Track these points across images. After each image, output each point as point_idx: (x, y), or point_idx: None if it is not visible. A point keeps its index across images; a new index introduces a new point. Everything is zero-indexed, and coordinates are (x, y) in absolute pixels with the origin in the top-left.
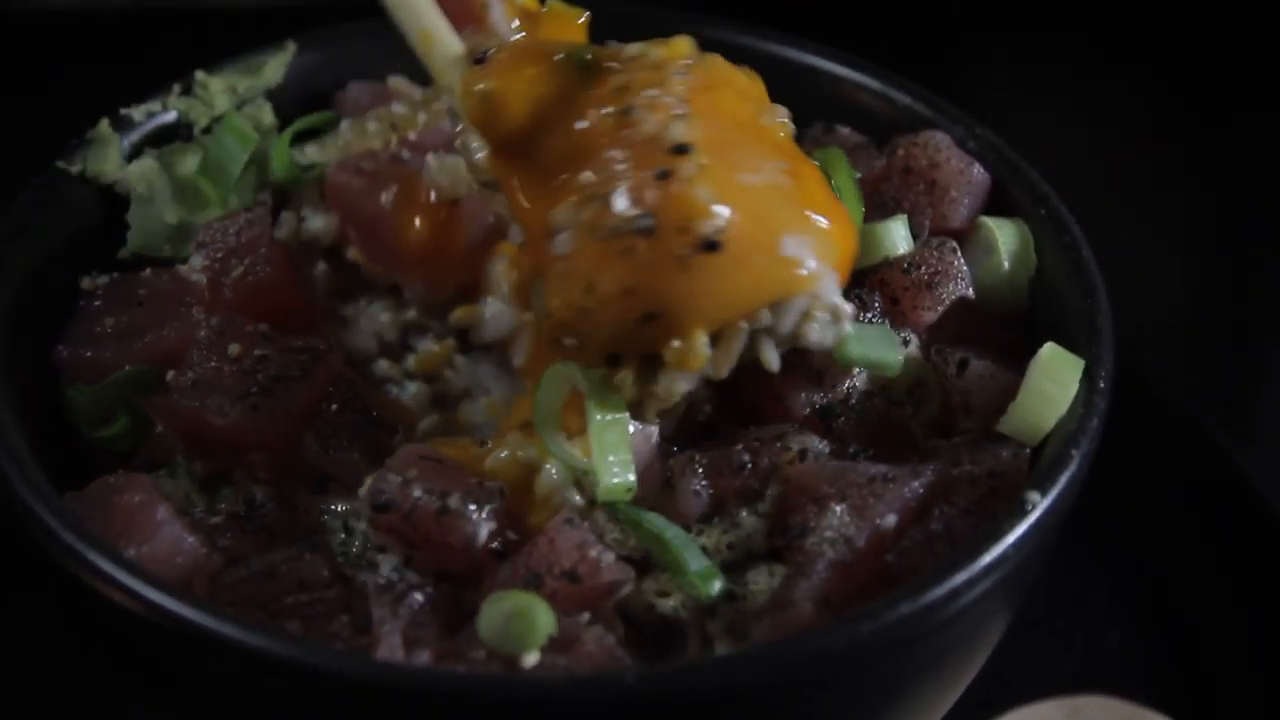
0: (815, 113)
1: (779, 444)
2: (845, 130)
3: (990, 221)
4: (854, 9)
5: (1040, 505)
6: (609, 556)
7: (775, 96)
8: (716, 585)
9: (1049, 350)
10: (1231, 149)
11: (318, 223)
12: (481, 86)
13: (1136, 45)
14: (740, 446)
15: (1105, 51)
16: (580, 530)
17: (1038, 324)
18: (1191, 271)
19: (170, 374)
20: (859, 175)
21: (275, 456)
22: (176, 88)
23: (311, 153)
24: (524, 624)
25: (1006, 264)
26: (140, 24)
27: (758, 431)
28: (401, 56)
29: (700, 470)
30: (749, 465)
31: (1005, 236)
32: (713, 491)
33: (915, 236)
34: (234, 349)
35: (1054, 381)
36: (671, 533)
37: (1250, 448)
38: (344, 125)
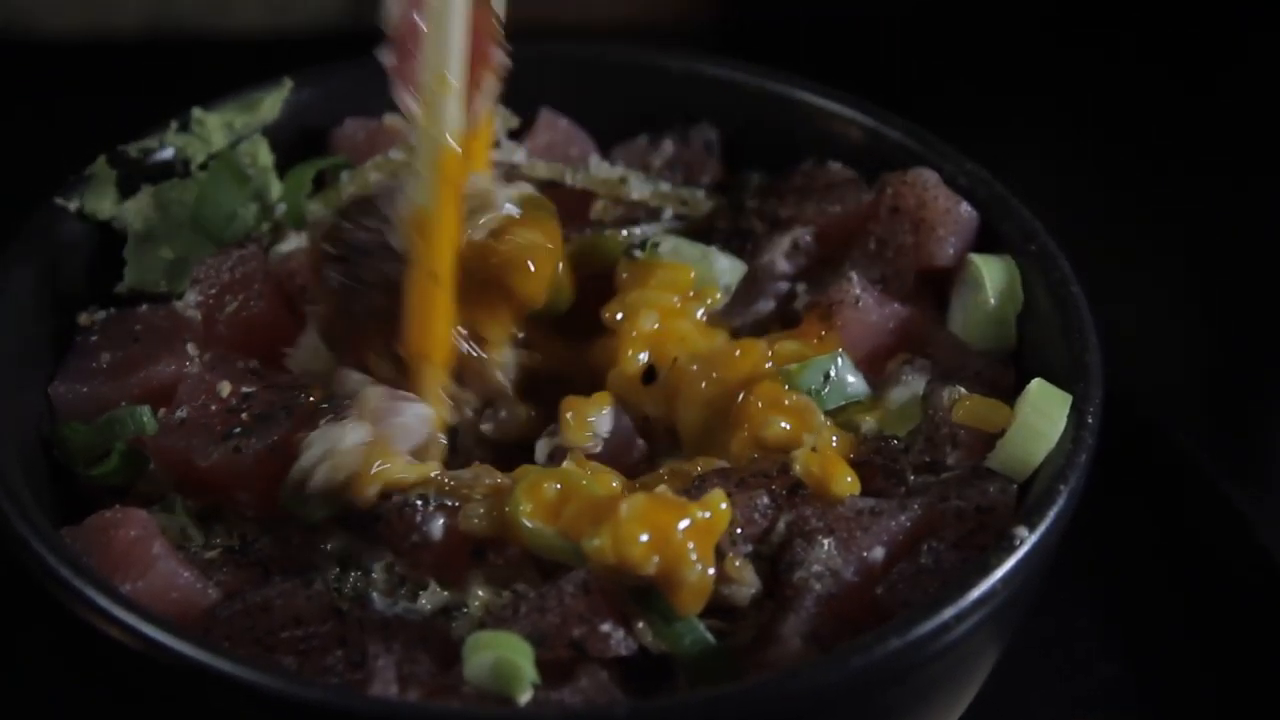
0: (807, 148)
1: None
2: (835, 165)
3: (977, 259)
4: (852, 51)
5: (1028, 540)
6: (619, 634)
7: (767, 132)
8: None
9: (1037, 386)
10: (1232, 186)
11: None
12: None
13: (1136, 91)
14: (761, 491)
15: (1101, 96)
16: (594, 597)
17: (1026, 360)
18: (1192, 309)
19: (161, 412)
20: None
21: (260, 495)
22: (174, 124)
23: (315, 208)
24: (510, 672)
25: (993, 301)
26: (143, 54)
27: (762, 464)
28: None
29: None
30: (769, 509)
31: (992, 273)
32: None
33: (895, 279)
34: (224, 387)
35: (1043, 416)
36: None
37: (1248, 484)
38: (344, 177)
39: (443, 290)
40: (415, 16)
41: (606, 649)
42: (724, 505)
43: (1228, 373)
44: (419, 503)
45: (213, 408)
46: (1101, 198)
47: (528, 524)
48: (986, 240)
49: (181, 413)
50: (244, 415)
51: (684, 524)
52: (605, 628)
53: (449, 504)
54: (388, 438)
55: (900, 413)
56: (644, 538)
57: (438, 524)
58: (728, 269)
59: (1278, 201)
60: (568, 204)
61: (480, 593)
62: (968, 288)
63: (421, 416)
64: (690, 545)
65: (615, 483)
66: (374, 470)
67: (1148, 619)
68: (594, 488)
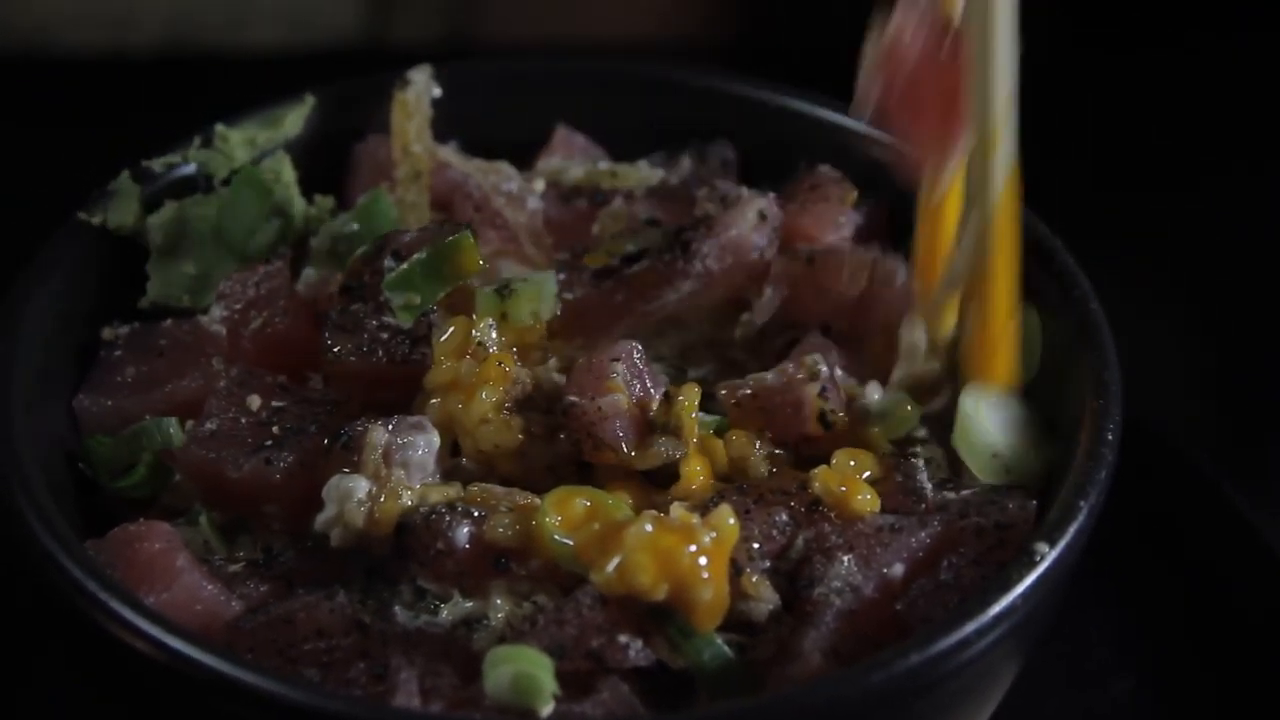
0: (827, 163)
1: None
2: (824, 167)
3: None
4: None
5: (1048, 556)
6: (637, 646)
7: (786, 149)
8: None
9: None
10: (1233, 194)
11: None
12: None
13: (1141, 104)
14: (780, 508)
15: (1107, 110)
16: (612, 610)
17: (1045, 376)
18: (1194, 316)
19: (189, 425)
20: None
21: (289, 508)
22: (196, 140)
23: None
24: (530, 686)
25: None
26: (162, 70)
27: (781, 481)
28: None
29: (758, 552)
30: (788, 526)
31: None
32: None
33: None
34: (253, 401)
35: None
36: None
37: (1260, 498)
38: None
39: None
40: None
41: (625, 660)
42: (731, 521)
43: (1235, 384)
44: (445, 511)
45: (243, 420)
46: (1107, 211)
47: (556, 536)
48: None
49: (211, 425)
50: (274, 429)
51: (691, 548)
52: (623, 639)
53: (475, 513)
54: (400, 476)
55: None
56: (651, 565)
57: (463, 532)
58: None
59: (1274, 207)
60: (573, 224)
61: (501, 603)
62: None
63: (431, 445)
64: (702, 563)
65: (629, 499)
66: (388, 513)
67: (1161, 633)
68: (619, 509)
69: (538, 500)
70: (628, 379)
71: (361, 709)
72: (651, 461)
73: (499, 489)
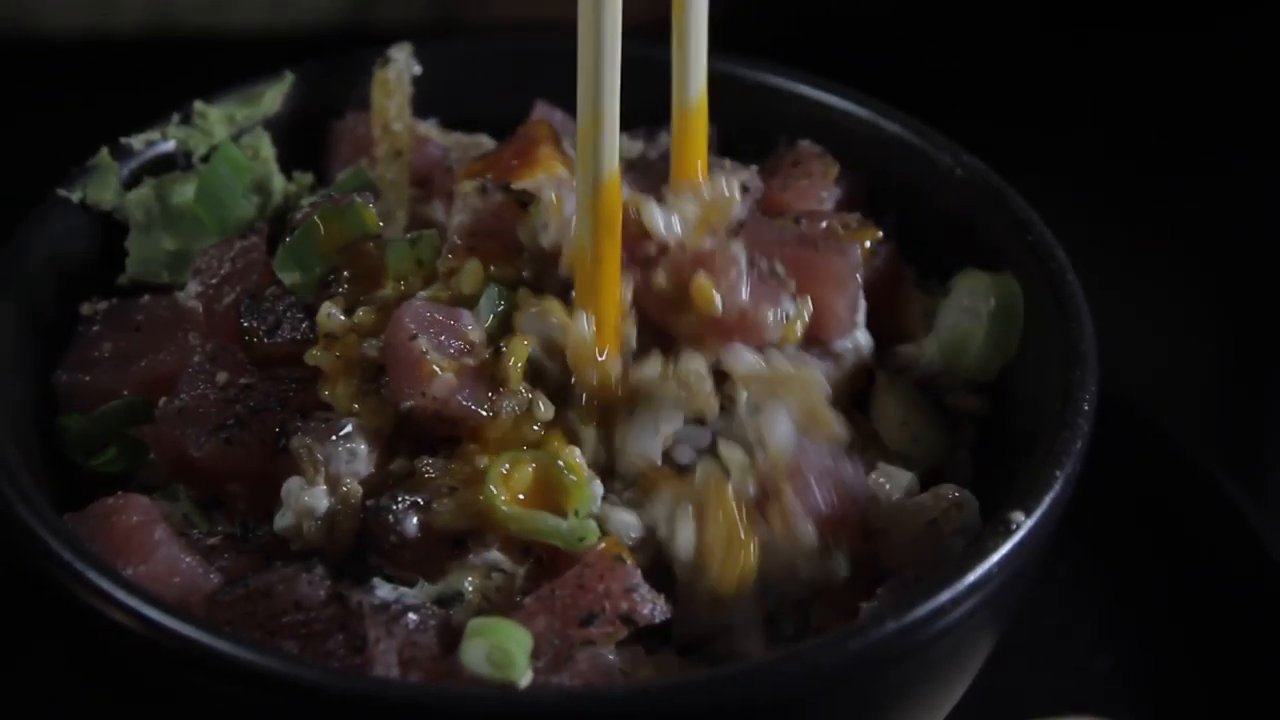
0: (804, 137)
1: None
2: (805, 142)
3: (976, 274)
4: (851, 45)
5: (1024, 525)
6: (661, 603)
7: (765, 125)
8: None
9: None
10: (1232, 182)
11: None
12: None
13: (1134, 84)
14: None
15: (1098, 91)
16: (629, 570)
17: (1022, 350)
18: (1191, 306)
19: (161, 401)
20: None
21: (251, 487)
22: (175, 117)
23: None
24: (503, 659)
25: (984, 333)
26: (145, 52)
27: None
28: None
29: None
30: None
31: (990, 295)
32: None
33: None
34: (222, 377)
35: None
36: None
37: (1247, 484)
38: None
39: (605, 331)
40: None
41: (650, 618)
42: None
43: (1228, 371)
44: (390, 504)
45: (210, 397)
46: (1099, 194)
47: (505, 510)
48: (982, 234)
49: (179, 401)
50: (239, 407)
51: None
52: (639, 595)
53: (420, 501)
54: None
55: None
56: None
57: (411, 523)
58: None
59: (1276, 196)
60: None
61: (471, 579)
62: (958, 304)
63: (357, 450)
64: None
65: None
66: (347, 531)
67: (1145, 617)
68: (565, 475)
69: (480, 464)
70: (438, 345)
71: (340, 680)
72: (504, 427)
73: (439, 461)
